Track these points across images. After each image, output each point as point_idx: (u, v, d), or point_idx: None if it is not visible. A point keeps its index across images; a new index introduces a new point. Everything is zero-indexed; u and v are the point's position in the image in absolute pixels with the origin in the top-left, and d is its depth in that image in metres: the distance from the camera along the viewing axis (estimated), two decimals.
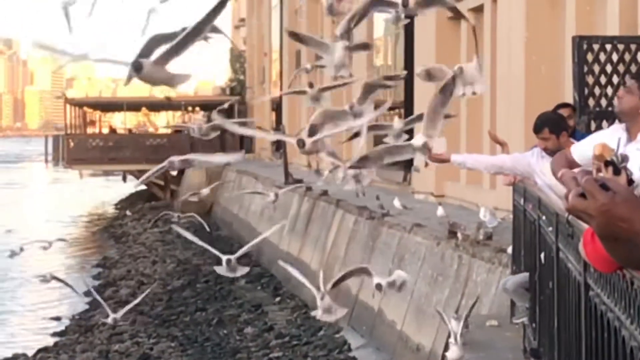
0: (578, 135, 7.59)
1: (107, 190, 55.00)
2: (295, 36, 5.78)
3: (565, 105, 8.74)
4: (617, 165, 3.48)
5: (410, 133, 5.89)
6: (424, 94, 20.50)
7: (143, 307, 21.14)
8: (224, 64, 62.82)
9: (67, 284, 13.12)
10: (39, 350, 18.04)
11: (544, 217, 6.30)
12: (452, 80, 5.04)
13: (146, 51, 4.17)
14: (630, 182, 3.50)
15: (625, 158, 3.61)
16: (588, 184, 2.32)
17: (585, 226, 3.95)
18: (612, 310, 3.55)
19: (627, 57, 9.26)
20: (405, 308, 14.48)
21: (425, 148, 5.01)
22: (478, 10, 18.86)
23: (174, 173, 43.86)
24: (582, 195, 2.33)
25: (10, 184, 65.00)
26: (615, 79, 9.18)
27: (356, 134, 5.84)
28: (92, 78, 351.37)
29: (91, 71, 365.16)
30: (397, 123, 5.83)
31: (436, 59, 20.09)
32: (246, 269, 7.11)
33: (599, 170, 3.51)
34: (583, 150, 5.48)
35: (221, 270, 6.95)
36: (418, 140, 5.12)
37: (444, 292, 13.27)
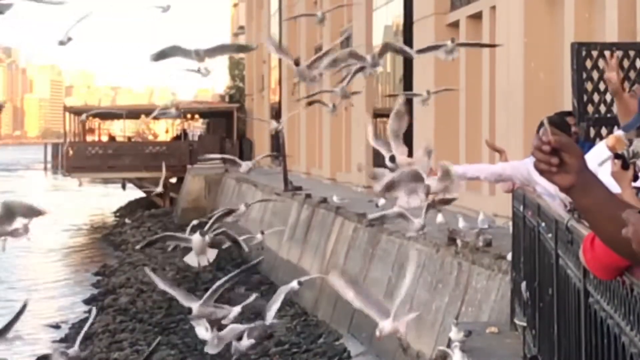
0: (580, 145, 7.58)
1: (107, 198, 55.00)
2: None
3: (569, 113, 8.74)
4: (626, 159, 3.50)
5: None
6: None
7: (142, 314, 21.13)
8: (222, 71, 62.81)
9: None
10: (39, 358, 18.00)
11: (543, 224, 6.30)
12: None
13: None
14: (636, 177, 3.51)
15: (636, 154, 3.62)
16: (627, 213, 2.37)
17: (585, 233, 3.96)
18: (612, 317, 3.55)
19: (625, 63, 9.27)
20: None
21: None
22: (477, 17, 18.89)
23: (173, 180, 43.88)
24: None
25: (9, 192, 64.99)
26: None
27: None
28: (91, 86, 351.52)
29: (90, 79, 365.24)
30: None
31: (435, 66, 20.14)
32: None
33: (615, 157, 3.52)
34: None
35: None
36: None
37: (443, 299, 13.26)
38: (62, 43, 5.43)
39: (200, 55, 6.16)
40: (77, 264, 31.56)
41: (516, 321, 8.18)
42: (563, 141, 2.41)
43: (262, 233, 7.01)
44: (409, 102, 22.68)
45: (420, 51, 6.98)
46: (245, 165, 8.44)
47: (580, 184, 2.43)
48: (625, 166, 3.77)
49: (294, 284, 7.11)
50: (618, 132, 5.62)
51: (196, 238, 6.54)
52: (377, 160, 30.12)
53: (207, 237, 6.69)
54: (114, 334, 19.35)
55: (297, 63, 5.92)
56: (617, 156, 3.67)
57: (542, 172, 2.43)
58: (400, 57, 24.59)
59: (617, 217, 2.42)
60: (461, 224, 13.52)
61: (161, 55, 6.31)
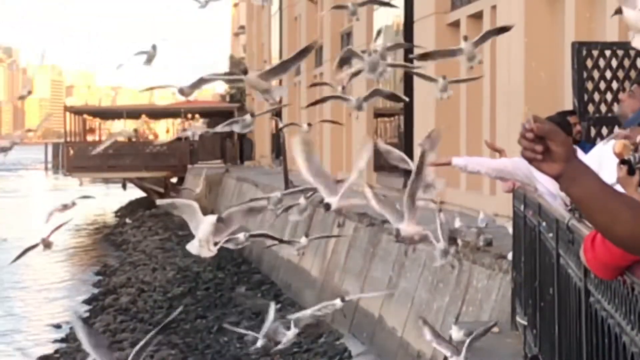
0: (581, 145, 7.57)
1: (107, 198, 55.01)
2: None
3: (572, 112, 8.74)
4: (632, 165, 3.49)
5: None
6: (424, 101, 20.50)
7: (143, 314, 21.13)
8: (223, 70, 62.80)
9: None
10: (40, 358, 18.04)
11: (544, 224, 6.30)
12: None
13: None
14: None
15: None
16: None
17: (586, 232, 3.95)
18: (612, 317, 3.55)
19: (626, 62, 9.27)
20: (405, 315, 14.47)
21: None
22: (477, 16, 18.88)
23: (174, 180, 43.91)
24: None
25: (10, 192, 65.01)
26: (614, 85, 9.19)
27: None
28: (91, 86, 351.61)
29: (91, 79, 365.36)
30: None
31: (435, 65, 20.12)
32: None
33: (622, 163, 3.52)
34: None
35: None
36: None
37: (444, 299, 13.26)
38: (149, 60, 5.26)
39: (184, 91, 6.09)
40: (78, 263, 31.57)
41: (518, 319, 8.19)
42: (546, 129, 2.39)
43: (307, 236, 6.51)
44: (409, 102, 22.64)
45: (426, 56, 6.10)
46: (274, 197, 7.77)
47: (568, 174, 2.41)
48: (631, 172, 3.77)
49: (337, 302, 6.65)
50: (618, 134, 5.62)
51: (209, 220, 5.66)
52: (378, 160, 30.14)
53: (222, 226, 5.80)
54: (115, 333, 19.36)
55: (245, 72, 5.55)
56: (623, 162, 3.66)
57: (528, 160, 2.43)
58: (400, 59, 24.57)
59: (610, 207, 2.40)
60: (457, 223, 13.48)
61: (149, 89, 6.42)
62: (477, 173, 7.75)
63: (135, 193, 48.87)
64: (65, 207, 9.49)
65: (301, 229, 22.78)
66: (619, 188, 4.03)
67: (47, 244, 9.47)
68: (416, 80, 21.46)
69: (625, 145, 3.72)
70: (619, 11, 4.85)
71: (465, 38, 5.03)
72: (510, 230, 11.27)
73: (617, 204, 2.40)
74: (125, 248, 33.07)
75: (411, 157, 22.73)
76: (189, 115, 53.20)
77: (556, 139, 2.39)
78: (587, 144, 8.05)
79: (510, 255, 9.73)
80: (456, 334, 7.99)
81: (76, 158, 44.89)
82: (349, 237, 18.75)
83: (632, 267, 3.13)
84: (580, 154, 6.42)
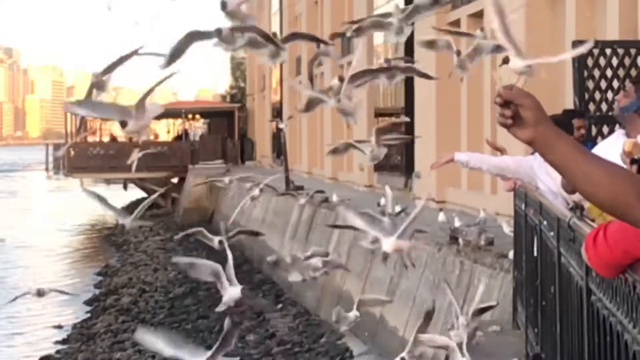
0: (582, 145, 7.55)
1: (109, 199, 54.93)
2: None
3: (581, 114, 8.72)
4: None
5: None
6: (425, 100, 20.49)
7: (145, 314, 21.13)
8: (224, 71, 62.78)
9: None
10: (41, 359, 18.03)
11: (545, 222, 6.30)
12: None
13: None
14: None
15: None
16: None
17: (587, 230, 3.95)
18: (614, 315, 3.55)
19: (627, 61, 9.27)
20: (407, 314, 14.47)
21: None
22: (478, 15, 18.88)
23: (175, 180, 43.90)
24: None
25: (11, 193, 65.04)
26: (615, 84, 9.19)
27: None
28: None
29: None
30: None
31: (436, 65, 20.12)
32: None
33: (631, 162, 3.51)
34: None
35: None
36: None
37: (446, 298, 13.25)
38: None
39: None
40: (79, 264, 31.57)
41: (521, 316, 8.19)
42: (513, 94, 2.39)
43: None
44: (409, 101, 22.63)
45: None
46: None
47: (541, 139, 2.39)
48: None
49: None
50: (623, 136, 5.61)
51: (233, 292, 5.95)
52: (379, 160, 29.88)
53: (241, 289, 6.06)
54: (116, 334, 19.36)
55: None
56: (633, 161, 3.66)
57: (501, 126, 2.43)
58: (400, 54, 24.56)
59: (588, 172, 2.37)
60: (457, 223, 13.50)
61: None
62: (479, 169, 7.75)
63: (136, 193, 48.86)
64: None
65: (302, 227, 22.80)
66: None
67: (40, 293, 9.53)
68: (417, 80, 21.44)
69: (636, 144, 3.71)
70: (506, 61, 4.90)
71: (459, 53, 4.87)
72: (506, 229, 11.28)
73: (595, 168, 2.37)
74: (127, 248, 33.08)
75: (412, 155, 22.74)
76: (190, 115, 53.23)
77: (524, 103, 2.39)
78: (589, 143, 8.04)
79: (511, 254, 9.73)
80: (462, 320, 7.99)
81: (77, 159, 44.86)
82: (350, 237, 18.75)
83: (633, 265, 3.13)
84: None
